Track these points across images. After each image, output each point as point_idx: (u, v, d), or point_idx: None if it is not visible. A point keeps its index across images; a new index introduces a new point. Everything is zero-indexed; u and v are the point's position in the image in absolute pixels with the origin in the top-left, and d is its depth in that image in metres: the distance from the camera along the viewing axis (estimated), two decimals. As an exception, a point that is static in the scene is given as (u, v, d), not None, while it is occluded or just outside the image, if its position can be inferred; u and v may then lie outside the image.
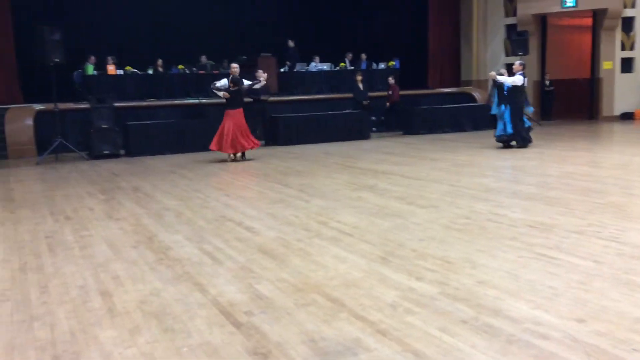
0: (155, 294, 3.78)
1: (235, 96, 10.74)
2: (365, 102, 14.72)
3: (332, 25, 19.33)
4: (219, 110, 14.57)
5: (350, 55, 17.87)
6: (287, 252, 4.65)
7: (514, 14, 17.79)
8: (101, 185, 8.55)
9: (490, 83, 13.34)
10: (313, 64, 17.32)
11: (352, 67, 17.37)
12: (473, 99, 17.65)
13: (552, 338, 2.94)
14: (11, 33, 14.64)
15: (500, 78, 10.99)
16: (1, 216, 6.50)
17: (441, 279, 3.88)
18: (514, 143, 11.06)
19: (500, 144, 11.21)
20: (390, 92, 15.60)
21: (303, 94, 16.21)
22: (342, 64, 17.60)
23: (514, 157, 10.00)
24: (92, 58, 14.84)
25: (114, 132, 12.26)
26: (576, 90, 18.09)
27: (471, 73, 19.26)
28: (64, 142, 12.07)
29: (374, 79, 17.25)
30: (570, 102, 18.09)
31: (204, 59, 16.48)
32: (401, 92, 16.91)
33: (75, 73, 14.67)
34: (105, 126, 12.14)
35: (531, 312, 3.27)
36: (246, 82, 11.03)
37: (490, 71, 11.34)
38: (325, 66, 17.27)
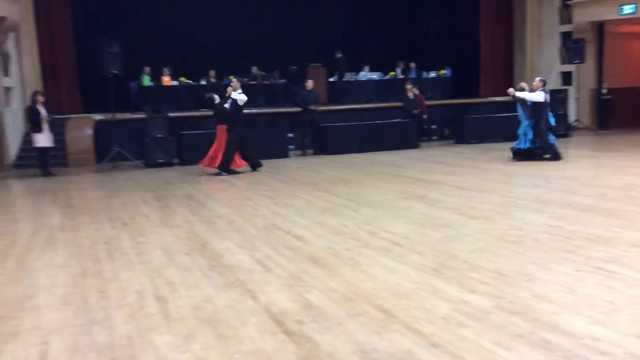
0: (208, 300, 3.86)
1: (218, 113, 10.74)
2: (415, 111, 14.62)
3: (383, 34, 19.35)
4: (269, 120, 14.83)
5: (400, 64, 17.79)
6: (337, 261, 4.66)
7: (570, 22, 17.32)
8: (156, 192, 8.79)
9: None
10: (362, 73, 17.34)
11: (403, 76, 17.29)
12: (526, 108, 17.23)
13: (612, 354, 2.83)
14: (72, 46, 15.28)
15: (520, 94, 10.70)
16: (62, 223, 6.77)
17: (495, 292, 3.80)
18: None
19: (514, 157, 10.90)
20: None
21: (352, 103, 16.25)
22: (392, 72, 17.55)
23: (569, 168, 9.72)
24: (148, 69, 15.33)
25: (168, 141, 12.60)
26: (635, 99, 17.43)
27: (524, 81, 18.81)
28: (121, 150, 12.49)
29: (425, 88, 17.13)
30: (629, 111, 17.42)
31: (254, 69, 16.77)
32: (452, 101, 16.75)
33: (132, 84, 15.18)
34: (160, 135, 12.50)
35: (589, 328, 3.17)
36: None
37: (515, 86, 10.84)
38: (375, 75, 17.27)
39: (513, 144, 11.07)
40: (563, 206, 6.47)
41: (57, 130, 12.42)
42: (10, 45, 13.55)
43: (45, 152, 11.60)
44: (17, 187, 10.37)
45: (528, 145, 10.69)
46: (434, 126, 16.03)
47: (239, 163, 10.68)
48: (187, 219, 6.64)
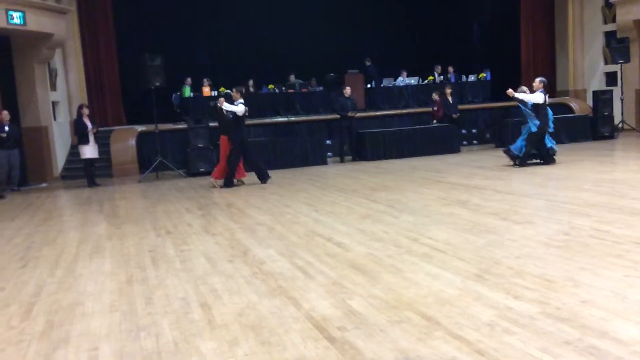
0: (251, 307, 3.90)
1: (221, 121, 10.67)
2: (455, 116, 14.46)
3: (420, 38, 19.23)
4: (307, 128, 14.90)
5: (438, 69, 17.65)
6: (378, 268, 4.64)
7: (613, 21, 16.85)
8: (198, 201, 8.94)
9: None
10: (400, 78, 17.27)
11: (442, 78, 17.13)
12: (570, 110, 16.85)
13: (668, 364, 2.73)
14: (116, 60, 15.73)
15: (519, 95, 10.43)
16: (109, 231, 6.96)
17: (541, 298, 3.72)
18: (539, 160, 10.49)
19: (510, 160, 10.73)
20: (435, 109, 14.79)
21: (390, 109, 16.20)
22: (431, 77, 17.42)
23: (616, 170, 9.44)
24: (189, 80, 15.63)
25: (209, 150, 12.81)
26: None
27: (568, 83, 18.42)
28: (164, 160, 12.77)
29: (465, 92, 16.94)
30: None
31: (292, 78, 16.91)
32: (492, 105, 16.48)
33: (173, 95, 15.52)
34: (201, 145, 12.72)
35: (642, 336, 3.06)
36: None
37: (510, 89, 10.59)
38: (413, 80, 17.17)
39: (509, 147, 10.80)
40: (610, 210, 6.29)
41: (102, 142, 12.80)
42: (57, 60, 14.04)
43: (91, 163, 11.95)
44: (65, 198, 10.71)
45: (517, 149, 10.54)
46: (474, 130, 15.82)
47: (243, 173, 10.52)
48: (228, 227, 6.72)
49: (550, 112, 10.58)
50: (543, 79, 10.67)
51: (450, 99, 14.56)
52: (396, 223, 6.29)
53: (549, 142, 10.55)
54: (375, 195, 8.33)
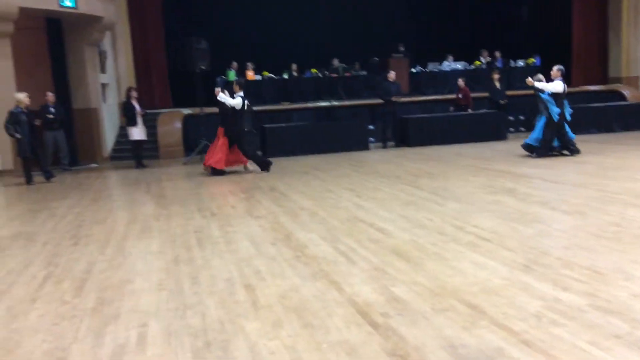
0: (294, 289, 3.93)
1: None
2: (502, 102, 14.13)
3: (467, 21, 18.82)
4: (350, 112, 14.84)
5: (485, 53, 17.26)
6: (422, 255, 4.60)
7: (672, 4, 16.11)
8: (241, 184, 9.05)
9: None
10: (446, 62, 16.98)
11: (489, 62, 16.71)
12: (623, 98, 16.24)
13: None
14: (163, 44, 15.98)
15: (538, 84, 10.02)
16: (156, 212, 7.12)
17: (590, 290, 3.62)
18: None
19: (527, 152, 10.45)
20: (459, 95, 14.34)
21: (435, 94, 15.95)
22: (477, 62, 17.06)
23: (673, 160, 9.07)
24: (234, 64, 15.76)
25: (252, 134, 12.89)
26: None
27: (620, 69, 17.71)
28: (208, 143, 12.91)
29: (513, 78, 16.51)
30: None
31: (336, 62, 16.83)
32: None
33: (218, 79, 15.66)
34: (245, 129, 12.80)
35: (699, 333, 2.95)
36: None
37: (529, 77, 10.22)
38: (459, 65, 16.85)
39: (526, 140, 10.53)
40: (666, 201, 6.06)
41: (150, 124, 13.06)
42: (106, 43, 14.35)
43: (139, 144, 12.23)
44: (114, 178, 11.01)
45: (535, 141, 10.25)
46: (522, 117, 15.43)
47: (243, 160, 10.45)
48: (271, 210, 6.78)
49: (566, 102, 10.25)
50: (561, 67, 10.34)
51: (497, 84, 14.22)
52: (440, 210, 6.22)
53: (571, 133, 10.22)
54: (418, 181, 8.25)
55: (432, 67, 16.76)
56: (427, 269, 4.24)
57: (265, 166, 10.40)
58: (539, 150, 10.16)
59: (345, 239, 5.23)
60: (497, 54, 17.09)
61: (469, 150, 11.92)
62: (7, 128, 10.07)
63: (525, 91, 15.98)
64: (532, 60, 17.10)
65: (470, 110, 14.21)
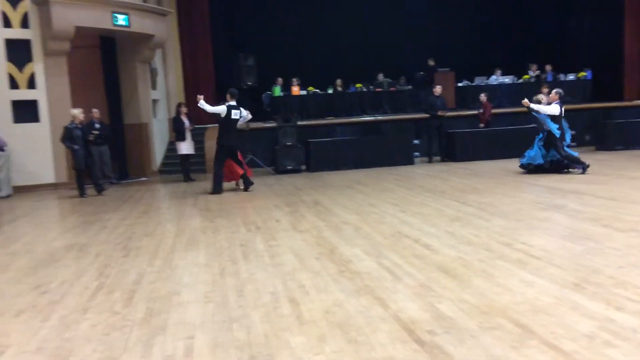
0: (338, 304, 3.92)
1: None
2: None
3: (515, 35, 18.53)
4: (394, 127, 14.80)
5: (535, 67, 16.94)
6: (468, 272, 4.53)
7: None
8: (286, 198, 9.12)
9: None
10: (494, 77, 16.75)
11: (538, 75, 16.37)
12: (679, 111, 15.62)
13: None
14: (211, 60, 16.34)
15: (535, 106, 9.89)
16: (203, 225, 7.25)
17: (646, 312, 3.48)
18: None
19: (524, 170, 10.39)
20: (481, 111, 14.04)
21: (481, 108, 15.69)
22: (526, 76, 16.76)
23: None
24: (279, 80, 15.97)
25: (297, 148, 13.02)
26: None
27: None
28: (254, 157, 13.12)
29: (563, 92, 16.10)
30: None
31: (380, 76, 16.83)
32: (593, 105, 15.63)
33: (264, 95, 15.92)
34: (289, 143, 12.96)
35: None
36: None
37: (525, 99, 10.06)
38: (507, 79, 16.58)
39: (522, 162, 10.48)
40: None
41: (197, 138, 13.34)
42: (157, 60, 14.79)
43: (187, 159, 12.52)
44: (162, 191, 11.28)
45: (541, 161, 10.13)
46: (573, 132, 15.02)
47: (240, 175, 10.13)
48: (315, 224, 6.80)
49: (565, 124, 10.15)
50: (560, 90, 10.31)
51: (544, 99, 13.89)
52: (487, 227, 6.11)
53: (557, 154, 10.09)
54: (465, 197, 8.13)
55: (479, 81, 16.54)
56: (474, 286, 4.17)
57: (216, 190, 10.00)
58: (577, 164, 10.01)
59: (389, 255, 5.19)
60: (548, 67, 16.74)
61: (516, 165, 11.67)
62: (64, 142, 10.49)
63: (577, 105, 15.66)
64: (583, 73, 16.69)
65: (482, 126, 13.93)
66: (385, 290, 4.20)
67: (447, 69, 15.99)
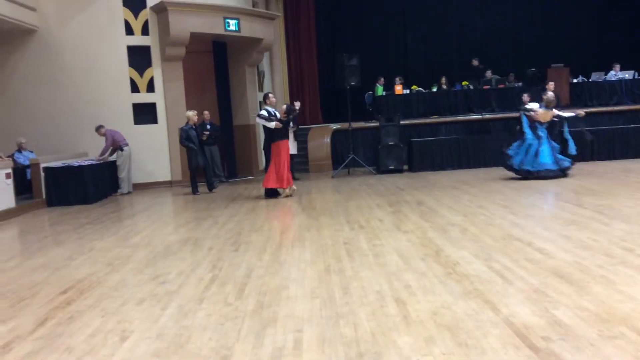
0: (446, 307, 3.85)
1: (285, 126, 9.97)
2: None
3: (635, 27, 17.22)
4: (502, 125, 14.24)
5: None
6: (587, 278, 4.27)
7: None
8: (388, 198, 9.08)
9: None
10: (612, 72, 15.65)
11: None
12: None
13: None
14: (315, 61, 16.65)
15: (561, 113, 10.00)
16: (307, 223, 7.39)
17: None
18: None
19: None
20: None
21: (599, 105, 14.75)
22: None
23: None
24: (382, 79, 15.93)
25: (399, 148, 12.91)
26: None
27: None
28: (356, 157, 13.18)
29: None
30: None
31: (489, 73, 16.28)
32: None
33: (366, 94, 15.94)
34: (391, 143, 12.89)
35: None
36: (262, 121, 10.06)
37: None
38: (627, 74, 15.43)
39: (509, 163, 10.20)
40: None
41: (301, 139, 13.64)
42: (264, 63, 15.28)
43: (290, 159, 12.79)
44: (268, 190, 11.61)
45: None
46: None
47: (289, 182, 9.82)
48: (419, 225, 6.71)
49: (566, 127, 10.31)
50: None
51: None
52: (607, 231, 5.73)
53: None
54: (581, 199, 7.68)
55: (595, 77, 15.53)
56: (593, 292, 3.92)
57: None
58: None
59: (500, 258, 5.01)
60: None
61: (638, 166, 10.85)
62: (182, 142, 11.14)
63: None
64: None
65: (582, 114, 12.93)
66: (495, 294, 4.06)
67: (561, 64, 15.15)
